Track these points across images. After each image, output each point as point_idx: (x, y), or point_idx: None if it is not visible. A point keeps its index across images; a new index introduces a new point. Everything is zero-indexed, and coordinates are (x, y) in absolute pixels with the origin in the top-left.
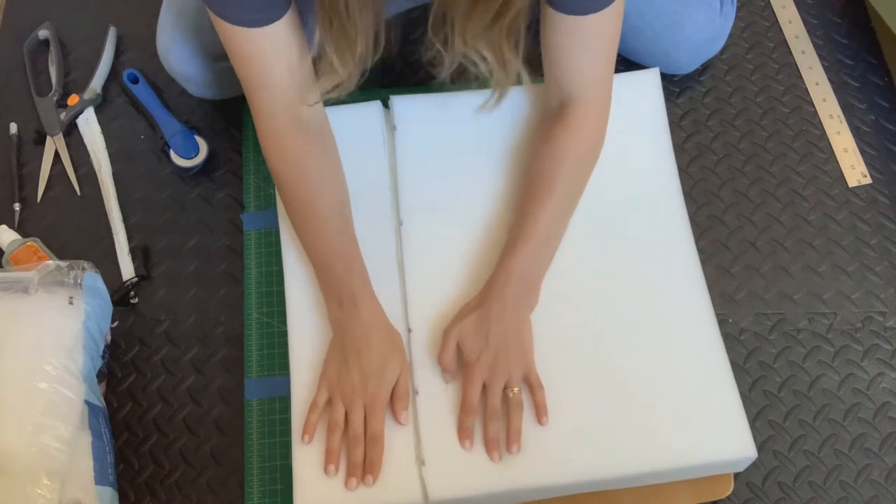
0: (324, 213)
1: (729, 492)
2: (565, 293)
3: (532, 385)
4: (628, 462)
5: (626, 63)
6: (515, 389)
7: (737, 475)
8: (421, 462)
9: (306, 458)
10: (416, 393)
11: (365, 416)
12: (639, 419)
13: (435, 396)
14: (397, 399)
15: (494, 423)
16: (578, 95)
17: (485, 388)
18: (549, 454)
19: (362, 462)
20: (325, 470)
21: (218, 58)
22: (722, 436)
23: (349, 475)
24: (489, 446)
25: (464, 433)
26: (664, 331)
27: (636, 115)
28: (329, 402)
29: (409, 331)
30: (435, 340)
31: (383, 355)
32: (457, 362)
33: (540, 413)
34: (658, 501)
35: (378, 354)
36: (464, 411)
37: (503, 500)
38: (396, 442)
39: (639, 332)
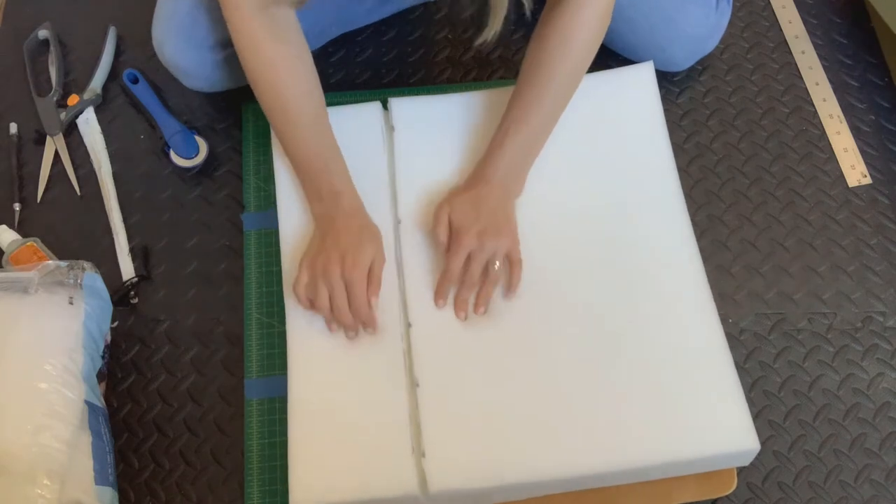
0: (300, 117)
1: (732, 488)
2: (566, 285)
3: (512, 262)
4: (631, 455)
5: (623, 61)
6: (497, 264)
7: (739, 472)
8: (421, 454)
9: (300, 452)
10: (416, 385)
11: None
12: (641, 413)
13: (435, 388)
14: (369, 284)
15: (468, 291)
16: None
17: (468, 259)
18: (551, 448)
19: (354, 324)
20: (329, 328)
21: (213, 49)
22: (724, 428)
23: (347, 329)
24: (458, 306)
25: (440, 294)
26: (665, 325)
27: (632, 110)
28: (311, 285)
29: (409, 325)
30: (435, 334)
31: (360, 238)
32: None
33: (507, 289)
34: (662, 498)
35: (355, 237)
36: (445, 277)
37: (504, 496)
38: (392, 434)
39: (639, 325)
